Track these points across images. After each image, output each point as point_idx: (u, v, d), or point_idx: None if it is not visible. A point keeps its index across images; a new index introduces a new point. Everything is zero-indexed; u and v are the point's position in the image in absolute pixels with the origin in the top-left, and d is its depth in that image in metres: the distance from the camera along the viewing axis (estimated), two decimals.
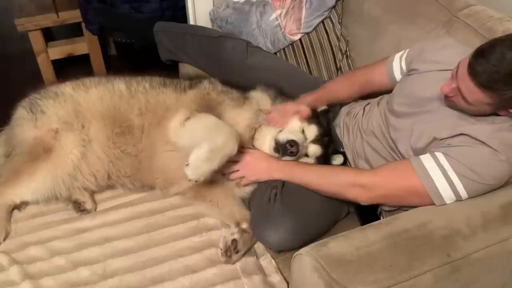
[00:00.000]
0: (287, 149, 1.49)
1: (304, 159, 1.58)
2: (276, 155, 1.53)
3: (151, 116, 1.63)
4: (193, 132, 1.48)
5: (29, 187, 1.53)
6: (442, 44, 1.48)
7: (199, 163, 1.37)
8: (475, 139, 1.24)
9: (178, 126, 1.55)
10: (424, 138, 1.34)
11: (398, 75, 1.59)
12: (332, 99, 1.73)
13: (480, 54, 1.16)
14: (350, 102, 1.78)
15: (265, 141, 1.57)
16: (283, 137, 1.51)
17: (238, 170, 1.56)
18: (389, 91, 1.60)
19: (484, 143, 1.23)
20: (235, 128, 1.52)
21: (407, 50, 1.58)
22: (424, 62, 1.45)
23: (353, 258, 1.10)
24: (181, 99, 1.65)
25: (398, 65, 1.59)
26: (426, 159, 1.28)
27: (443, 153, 1.27)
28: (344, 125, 1.67)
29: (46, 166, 1.53)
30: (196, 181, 1.40)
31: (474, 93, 1.19)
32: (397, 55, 1.60)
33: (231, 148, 1.43)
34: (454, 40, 1.51)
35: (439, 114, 1.35)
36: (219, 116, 1.56)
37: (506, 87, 1.14)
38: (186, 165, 1.37)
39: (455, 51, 1.39)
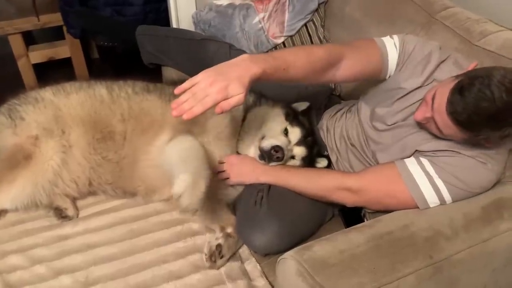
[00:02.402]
0: (272, 155, 1.47)
1: (291, 162, 1.57)
2: (263, 162, 1.51)
3: (134, 123, 1.60)
4: (170, 157, 1.44)
5: (8, 195, 1.50)
6: (443, 58, 1.38)
7: (189, 192, 1.26)
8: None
9: (162, 146, 1.52)
10: (406, 151, 1.35)
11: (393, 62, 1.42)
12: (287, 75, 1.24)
13: (459, 91, 1.13)
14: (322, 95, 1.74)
15: (249, 149, 1.57)
16: (267, 143, 1.49)
17: (225, 170, 1.55)
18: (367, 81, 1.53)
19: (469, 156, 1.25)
20: (220, 133, 1.53)
21: (404, 42, 1.41)
22: (420, 75, 1.38)
23: (337, 262, 1.10)
24: (166, 112, 1.59)
25: (393, 50, 1.41)
26: (412, 164, 1.30)
27: (429, 160, 1.29)
28: (328, 129, 1.67)
29: (26, 173, 1.50)
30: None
31: (451, 129, 1.18)
32: (389, 42, 1.42)
33: (205, 173, 1.35)
34: (456, 55, 1.41)
35: (418, 125, 1.35)
36: (203, 122, 1.54)
37: (484, 129, 1.14)
38: (179, 198, 1.28)
39: (447, 69, 1.35)
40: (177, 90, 1.10)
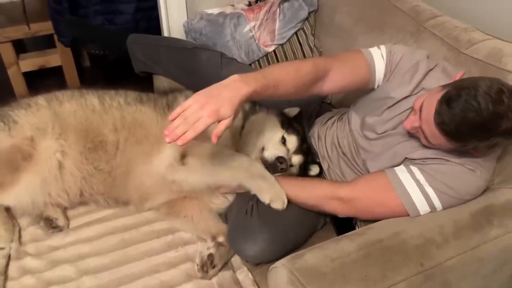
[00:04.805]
0: (277, 167, 1.46)
1: (289, 170, 1.55)
2: None
3: (127, 133, 1.60)
4: (207, 170, 1.48)
5: (11, 194, 1.50)
6: (431, 67, 1.39)
7: (277, 195, 1.39)
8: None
9: (174, 164, 1.52)
10: (397, 159, 1.37)
11: (380, 73, 1.43)
12: (277, 91, 1.25)
13: (446, 102, 1.14)
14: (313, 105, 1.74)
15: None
16: (271, 154, 1.49)
17: None
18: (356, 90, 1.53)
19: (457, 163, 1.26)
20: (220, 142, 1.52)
21: (392, 52, 1.42)
22: (408, 84, 1.39)
23: (328, 270, 1.10)
24: (162, 125, 1.60)
25: (380, 60, 1.43)
26: (402, 173, 1.31)
27: (418, 168, 1.30)
28: (319, 137, 1.67)
29: (27, 175, 1.50)
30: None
31: (439, 139, 1.19)
32: (376, 53, 1.43)
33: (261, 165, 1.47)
34: (443, 64, 1.43)
35: (407, 134, 1.36)
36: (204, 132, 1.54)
37: (472, 139, 1.15)
38: (269, 204, 1.38)
39: (436, 77, 1.37)
40: (171, 117, 1.11)
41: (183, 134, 1.07)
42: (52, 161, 1.53)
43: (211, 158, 1.48)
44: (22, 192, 1.50)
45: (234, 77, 1.15)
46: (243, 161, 1.46)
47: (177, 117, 1.10)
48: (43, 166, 1.52)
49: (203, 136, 1.12)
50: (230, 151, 1.52)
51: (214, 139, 1.09)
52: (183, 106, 1.10)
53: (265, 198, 1.38)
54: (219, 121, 1.10)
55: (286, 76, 1.26)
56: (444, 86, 1.21)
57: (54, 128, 1.56)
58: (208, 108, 1.07)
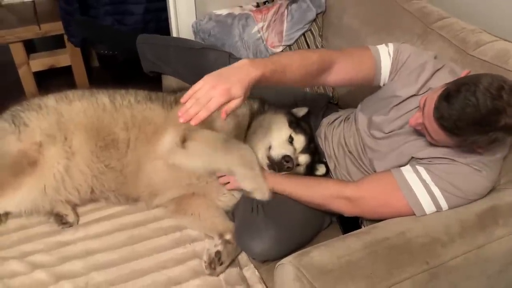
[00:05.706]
0: (283, 165, 1.48)
1: (296, 169, 1.58)
2: (271, 171, 1.52)
3: (138, 131, 1.62)
4: (203, 154, 1.52)
5: (13, 200, 1.52)
6: (438, 67, 1.40)
7: (259, 185, 1.43)
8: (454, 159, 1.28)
9: (175, 147, 1.54)
10: (403, 158, 1.37)
11: (386, 71, 1.45)
12: (284, 77, 1.28)
13: (445, 98, 1.16)
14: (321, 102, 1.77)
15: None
16: (277, 153, 1.51)
17: (225, 175, 1.57)
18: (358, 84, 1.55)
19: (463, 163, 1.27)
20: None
21: (399, 51, 1.44)
22: (415, 83, 1.40)
23: (335, 267, 1.11)
24: (169, 116, 1.64)
25: (386, 58, 1.45)
26: (408, 172, 1.32)
27: (425, 168, 1.30)
28: (326, 136, 1.69)
29: (31, 180, 1.51)
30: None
31: (439, 134, 1.21)
32: (383, 50, 1.45)
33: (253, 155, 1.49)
34: (448, 63, 1.44)
35: (414, 133, 1.37)
36: (209, 123, 1.56)
37: (470, 134, 1.16)
38: (250, 192, 1.43)
39: (443, 77, 1.37)
40: (183, 99, 1.14)
41: (196, 114, 1.10)
42: (59, 166, 1.55)
43: (209, 143, 1.51)
44: (23, 198, 1.52)
45: (244, 60, 1.19)
46: (238, 148, 1.49)
47: (189, 99, 1.12)
48: (48, 172, 1.54)
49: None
50: (228, 138, 1.54)
51: (223, 115, 1.12)
52: (193, 88, 1.13)
53: (247, 186, 1.43)
54: (229, 101, 1.12)
55: (293, 63, 1.29)
56: (447, 84, 1.22)
57: (62, 132, 1.58)
58: (219, 87, 1.10)
